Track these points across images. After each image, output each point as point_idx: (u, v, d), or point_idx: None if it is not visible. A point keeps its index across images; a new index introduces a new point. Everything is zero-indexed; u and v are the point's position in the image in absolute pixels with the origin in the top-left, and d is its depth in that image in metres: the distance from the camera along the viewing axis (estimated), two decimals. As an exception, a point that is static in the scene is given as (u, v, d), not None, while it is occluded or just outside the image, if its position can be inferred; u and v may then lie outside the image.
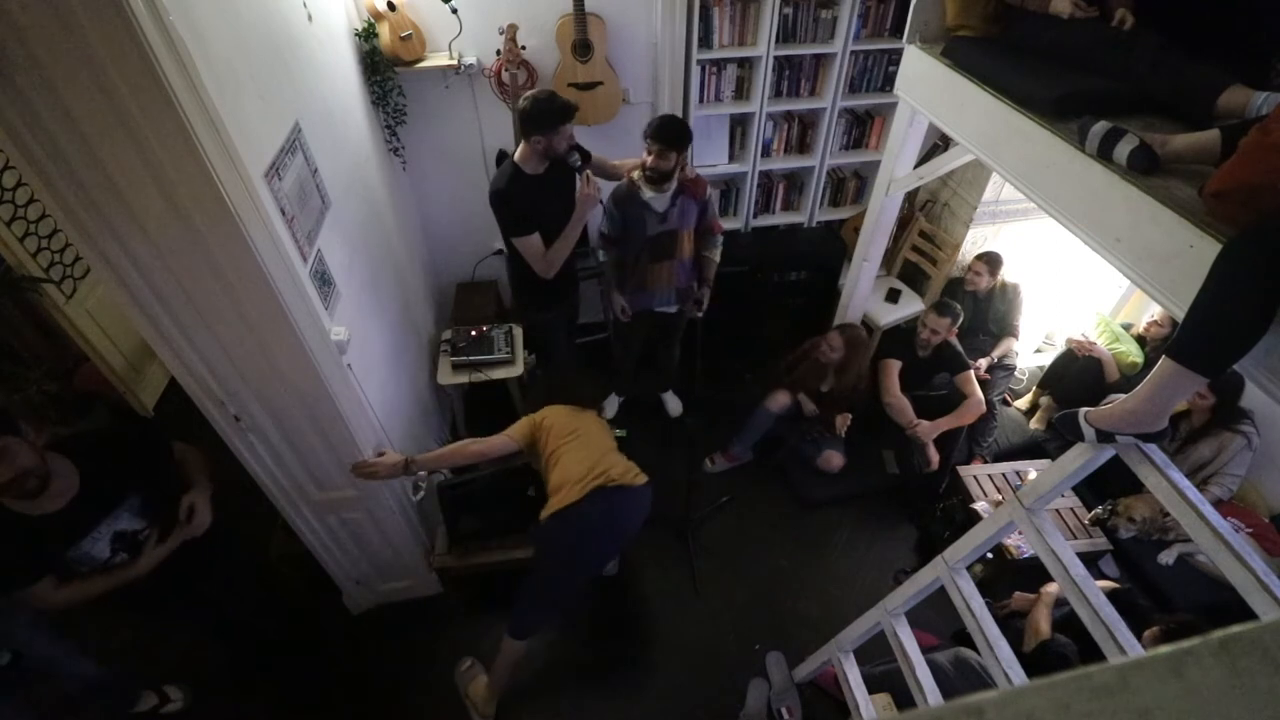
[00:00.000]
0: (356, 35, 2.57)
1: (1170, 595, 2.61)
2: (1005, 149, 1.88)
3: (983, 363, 3.28)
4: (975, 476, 3.07)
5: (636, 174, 2.58)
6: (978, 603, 1.72)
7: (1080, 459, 1.43)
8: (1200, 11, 1.67)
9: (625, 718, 2.43)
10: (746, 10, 2.99)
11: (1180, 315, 1.27)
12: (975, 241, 3.42)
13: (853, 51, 3.13)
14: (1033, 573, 2.26)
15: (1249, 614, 1.16)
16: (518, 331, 3.08)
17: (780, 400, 3.13)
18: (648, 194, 2.58)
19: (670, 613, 2.74)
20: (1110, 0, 1.77)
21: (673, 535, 2.96)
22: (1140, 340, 3.23)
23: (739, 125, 3.40)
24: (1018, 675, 1.62)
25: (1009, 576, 2.69)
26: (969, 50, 2.05)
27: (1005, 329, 3.35)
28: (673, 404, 3.55)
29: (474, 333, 3.01)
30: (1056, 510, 2.91)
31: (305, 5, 2.02)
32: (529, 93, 2.24)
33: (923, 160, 2.60)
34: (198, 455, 1.95)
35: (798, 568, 2.92)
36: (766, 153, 3.44)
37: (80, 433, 1.86)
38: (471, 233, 3.41)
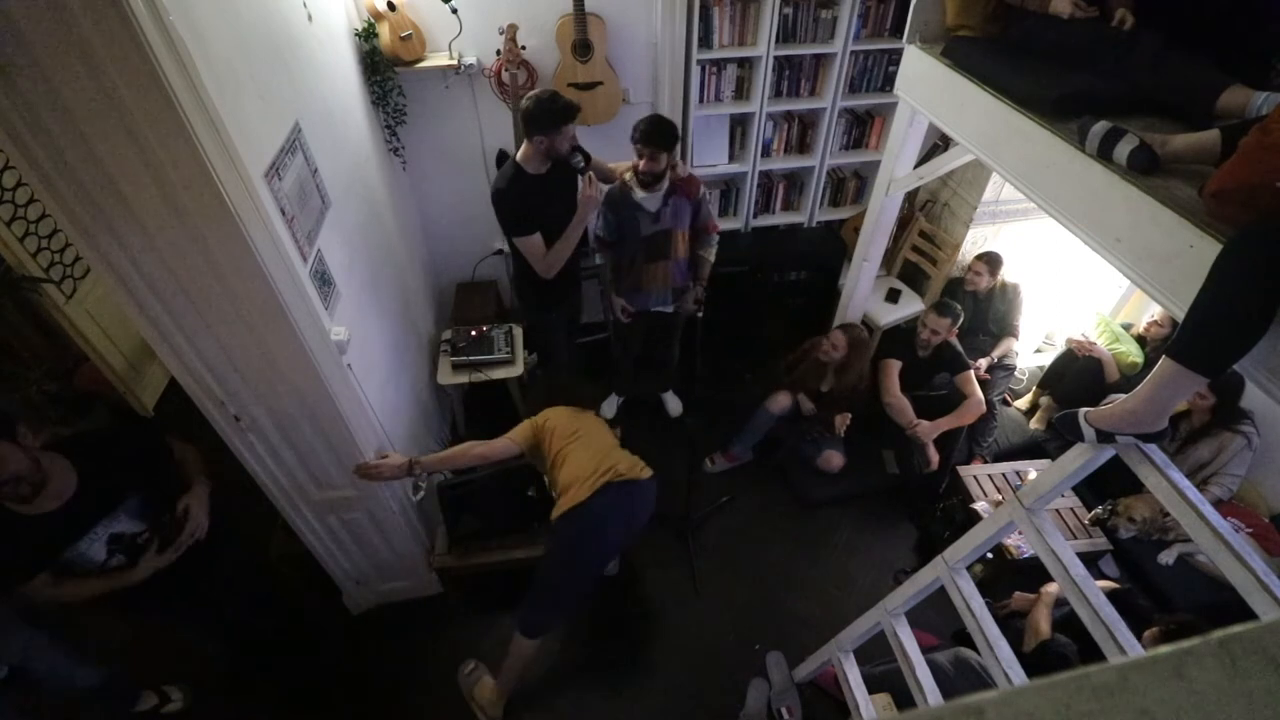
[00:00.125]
0: (356, 35, 2.57)
1: (1170, 595, 2.61)
2: (1005, 149, 1.88)
3: (983, 363, 3.28)
4: (975, 476, 3.07)
5: (628, 175, 2.58)
6: (978, 603, 1.72)
7: (1080, 459, 1.43)
8: (1200, 12, 1.67)
9: (626, 717, 2.43)
10: (746, 10, 2.99)
11: (1180, 315, 1.27)
12: (975, 241, 3.42)
13: (853, 51, 3.13)
14: (1033, 573, 2.26)
15: (1249, 614, 1.16)
16: (518, 331, 3.08)
17: (781, 401, 3.13)
18: (639, 195, 2.58)
19: (670, 613, 2.75)
20: (1110, 0, 1.77)
21: (673, 535, 2.96)
22: (1140, 340, 3.23)
23: (739, 125, 3.40)
24: (1018, 675, 1.62)
25: (1009, 576, 2.69)
26: (969, 50, 2.05)
27: (1005, 329, 3.35)
28: (673, 404, 3.55)
29: (474, 333, 3.01)
30: (1056, 510, 2.91)
31: (305, 5, 2.02)
32: (532, 92, 2.24)
33: (923, 160, 2.60)
34: (196, 454, 1.95)
35: (798, 568, 2.92)
36: (766, 153, 3.44)
37: (80, 433, 1.87)
38: (471, 233, 3.41)
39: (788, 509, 3.15)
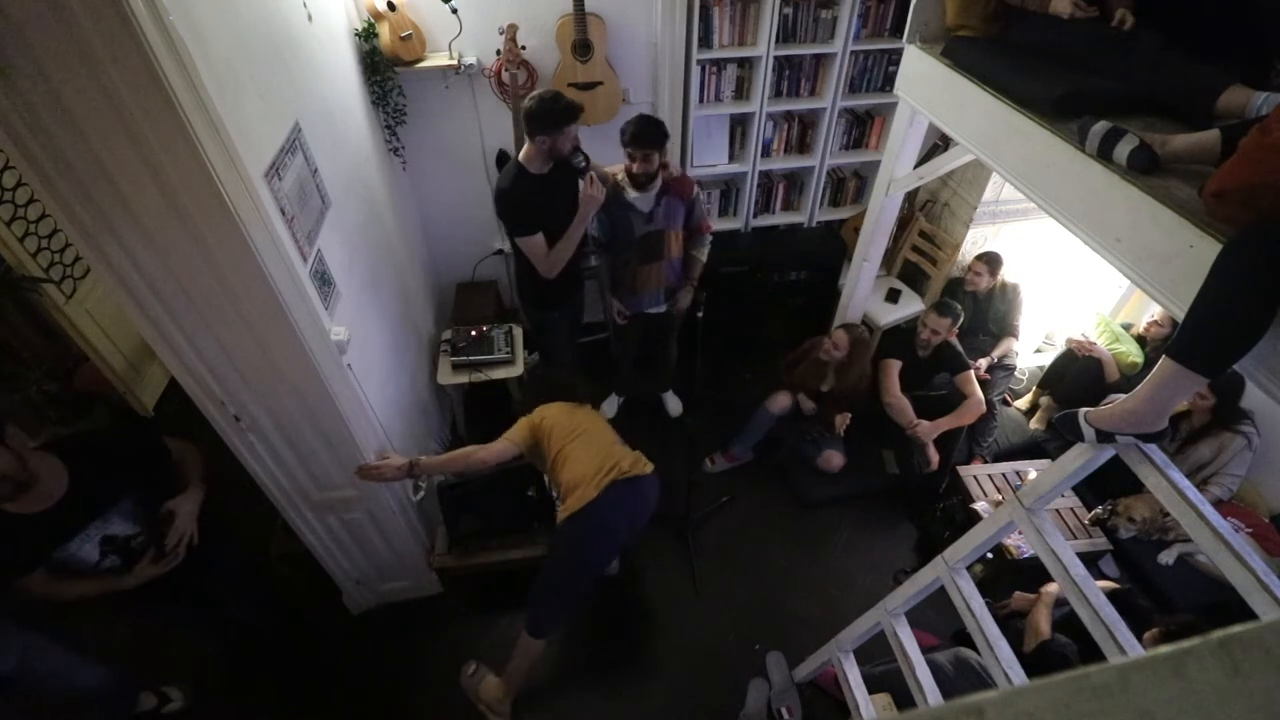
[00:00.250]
0: (356, 35, 2.57)
1: (1170, 595, 2.61)
2: (1005, 149, 1.88)
3: (983, 363, 3.28)
4: (975, 476, 3.07)
5: (620, 176, 2.58)
6: (978, 603, 1.72)
7: (1080, 459, 1.43)
8: (1200, 12, 1.67)
9: (626, 717, 2.43)
10: (746, 10, 2.99)
11: (1180, 315, 1.27)
12: (975, 241, 3.42)
13: (853, 51, 3.13)
14: (1033, 573, 2.27)
15: (1249, 614, 1.16)
16: (518, 331, 3.08)
17: (781, 401, 3.13)
18: (631, 195, 2.58)
19: (670, 613, 2.75)
20: (1110, 0, 1.77)
21: (673, 535, 2.96)
22: (1140, 340, 3.23)
23: (739, 125, 3.40)
24: (1018, 675, 1.61)
25: (1009, 576, 2.69)
26: (969, 50, 2.05)
27: (1005, 329, 3.35)
28: (673, 404, 3.55)
29: (474, 333, 3.01)
30: (1056, 510, 2.91)
31: (305, 5, 2.01)
32: (535, 92, 2.24)
33: (923, 160, 2.60)
34: (195, 454, 1.94)
35: (798, 568, 2.92)
36: (766, 153, 3.44)
37: (75, 434, 1.86)
38: (471, 233, 3.41)
39: (788, 509, 3.15)
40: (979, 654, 1.75)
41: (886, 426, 3.08)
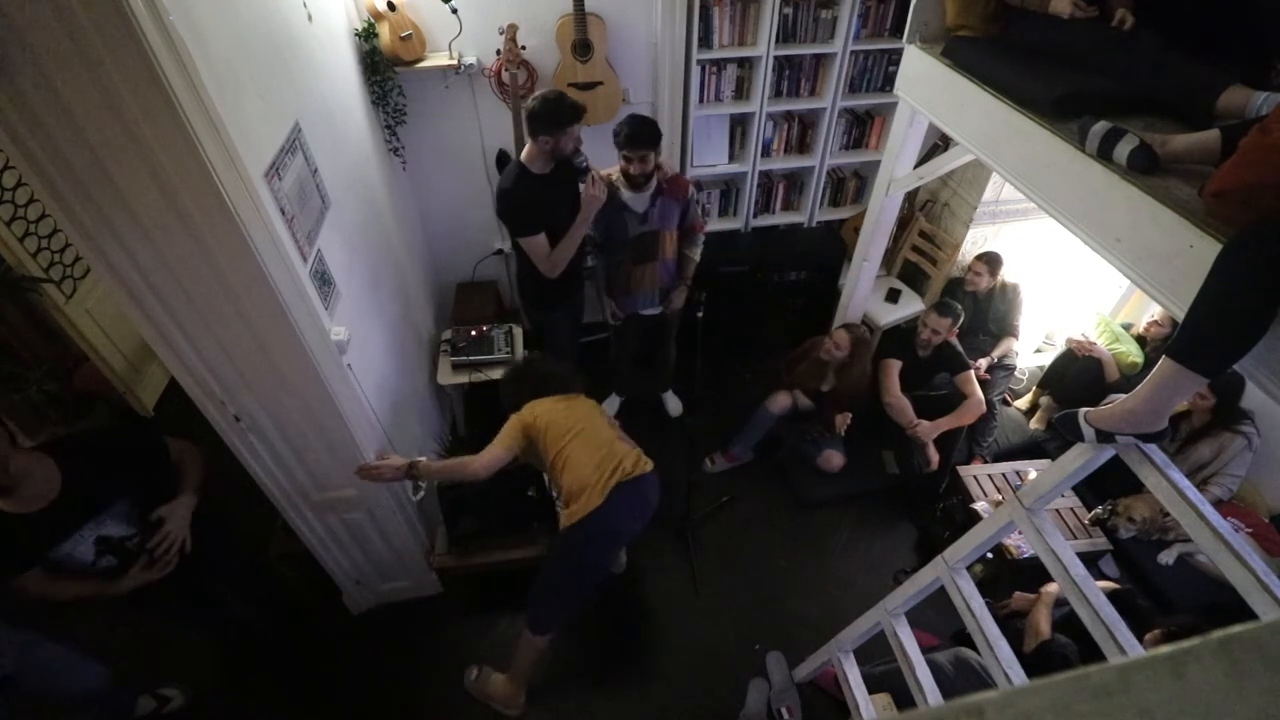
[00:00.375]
0: (356, 35, 2.57)
1: (1170, 595, 2.61)
2: (1005, 149, 1.88)
3: (983, 363, 3.28)
4: (975, 476, 3.07)
5: (616, 176, 2.57)
6: (978, 603, 1.72)
7: (1080, 459, 1.43)
8: (1200, 11, 1.67)
9: (626, 717, 2.43)
10: (746, 10, 2.99)
11: (1180, 315, 1.27)
12: (975, 241, 3.42)
13: (853, 51, 3.13)
14: (1033, 573, 2.27)
15: (1249, 614, 1.16)
16: (518, 331, 3.08)
17: (781, 402, 3.13)
18: (626, 195, 2.58)
19: (670, 613, 2.75)
20: (1110, 0, 1.77)
21: (673, 535, 2.96)
22: (1140, 340, 3.23)
23: (739, 125, 3.40)
24: (1018, 675, 1.61)
25: (1009, 576, 2.69)
26: (969, 50, 2.05)
27: (1005, 329, 3.35)
28: (673, 404, 3.55)
29: (474, 333, 3.01)
30: (1056, 510, 2.91)
31: (305, 5, 2.01)
32: (538, 93, 2.25)
33: (923, 160, 2.60)
34: (195, 455, 1.93)
35: (798, 568, 2.92)
36: (766, 153, 3.44)
37: (75, 433, 1.85)
38: (471, 233, 3.41)
39: (788, 509, 3.15)
40: (979, 654, 1.75)
41: (886, 426, 3.08)
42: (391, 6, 2.53)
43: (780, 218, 3.72)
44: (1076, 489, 2.97)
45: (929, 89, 2.23)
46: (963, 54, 2.06)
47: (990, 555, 2.72)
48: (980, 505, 2.89)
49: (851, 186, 3.74)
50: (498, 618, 2.66)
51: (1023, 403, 3.56)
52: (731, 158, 3.46)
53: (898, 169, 2.59)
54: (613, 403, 3.48)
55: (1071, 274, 3.48)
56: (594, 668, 2.57)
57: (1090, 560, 2.80)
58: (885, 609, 2.00)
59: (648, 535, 2.59)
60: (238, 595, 2.34)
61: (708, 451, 3.32)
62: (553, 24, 2.77)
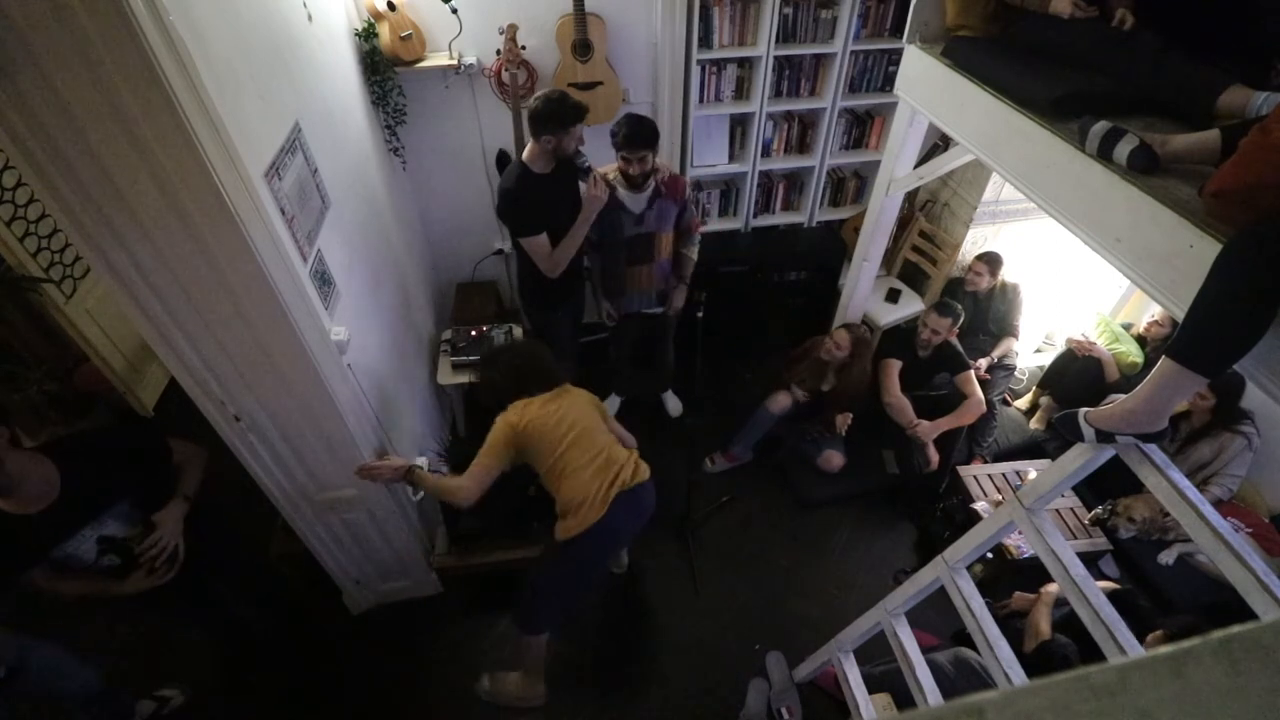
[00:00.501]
0: (356, 35, 2.57)
1: (1170, 595, 2.61)
2: (1005, 149, 1.88)
3: (983, 363, 3.28)
4: (975, 476, 3.07)
5: (613, 176, 2.57)
6: (978, 603, 1.72)
7: (1080, 459, 1.43)
8: (1200, 11, 1.67)
9: (626, 717, 2.43)
10: (746, 10, 2.99)
11: (1180, 315, 1.27)
12: (975, 241, 3.42)
13: (853, 51, 3.13)
14: (1033, 573, 2.26)
15: (1249, 614, 1.16)
16: (518, 331, 3.08)
17: (781, 402, 3.13)
18: (622, 194, 2.58)
19: (670, 613, 2.74)
20: (1110, 0, 1.78)
21: (673, 535, 2.96)
22: (1140, 340, 3.23)
23: (739, 125, 3.40)
24: (1018, 675, 1.61)
25: (1009, 576, 2.70)
26: (969, 50, 2.05)
27: (1005, 329, 3.35)
28: (672, 404, 3.55)
29: (474, 333, 3.01)
30: (1056, 510, 2.91)
31: (305, 5, 2.01)
32: (541, 92, 2.25)
33: (923, 160, 2.60)
34: (197, 459, 1.92)
35: (798, 568, 2.92)
36: (766, 153, 3.44)
37: (75, 433, 1.85)
38: (471, 233, 3.41)
39: (788, 509, 3.15)
40: (979, 654, 1.75)
41: (886, 426, 3.08)
42: (391, 6, 2.53)
43: (780, 218, 3.72)
44: (1076, 489, 2.97)
45: (929, 89, 2.23)
46: (963, 54, 2.06)
47: (990, 555, 2.72)
48: (980, 505, 2.89)
49: (851, 186, 3.74)
50: (498, 618, 2.66)
51: (1023, 403, 3.57)
52: (731, 158, 3.46)
53: (898, 169, 2.59)
54: (613, 403, 3.48)
55: (1071, 274, 3.48)
56: (594, 668, 2.57)
57: (1090, 560, 2.80)
58: (885, 609, 2.00)
59: (647, 535, 2.60)
60: (238, 595, 2.34)
61: (708, 451, 3.32)
62: (553, 24, 2.77)
